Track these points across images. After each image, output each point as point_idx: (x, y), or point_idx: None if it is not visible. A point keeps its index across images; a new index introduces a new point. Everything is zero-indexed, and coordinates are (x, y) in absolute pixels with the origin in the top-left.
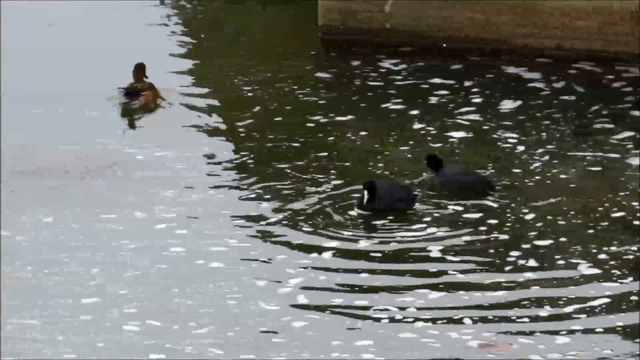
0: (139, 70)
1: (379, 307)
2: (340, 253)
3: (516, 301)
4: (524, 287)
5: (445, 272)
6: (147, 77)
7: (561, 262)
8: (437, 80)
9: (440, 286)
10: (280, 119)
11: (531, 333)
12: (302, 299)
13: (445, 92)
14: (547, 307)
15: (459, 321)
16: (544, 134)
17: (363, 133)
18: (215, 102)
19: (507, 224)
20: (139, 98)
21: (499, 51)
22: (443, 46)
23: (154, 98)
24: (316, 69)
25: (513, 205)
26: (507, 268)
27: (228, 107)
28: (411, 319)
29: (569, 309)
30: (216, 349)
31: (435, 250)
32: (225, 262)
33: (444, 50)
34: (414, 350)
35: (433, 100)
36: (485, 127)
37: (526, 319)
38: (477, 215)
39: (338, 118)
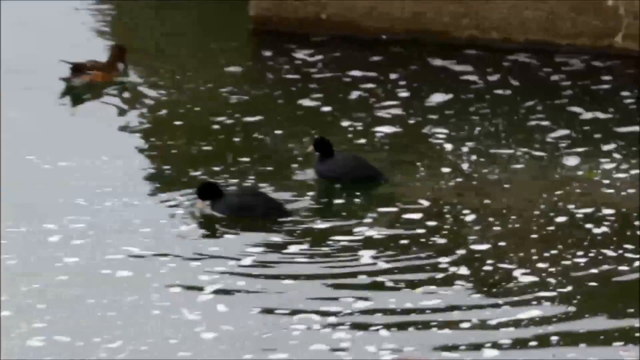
0: (116, 51)
1: (300, 317)
2: (262, 259)
3: (443, 312)
4: (454, 296)
5: (374, 279)
6: (123, 63)
7: (496, 268)
8: (359, 73)
9: (367, 294)
10: (197, 118)
11: (455, 347)
12: (220, 308)
13: (370, 84)
14: (474, 319)
15: (378, 332)
16: (476, 130)
17: (282, 132)
18: (129, 102)
19: (445, 227)
20: (81, 76)
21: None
22: (383, 37)
23: (102, 80)
24: (241, 64)
25: (448, 207)
26: (439, 276)
27: (146, 108)
28: (329, 330)
29: (498, 320)
30: None
31: (366, 255)
32: (133, 271)
33: (371, 42)
34: None
35: (354, 94)
36: (412, 122)
37: (449, 331)
38: (415, 217)
39: (258, 117)
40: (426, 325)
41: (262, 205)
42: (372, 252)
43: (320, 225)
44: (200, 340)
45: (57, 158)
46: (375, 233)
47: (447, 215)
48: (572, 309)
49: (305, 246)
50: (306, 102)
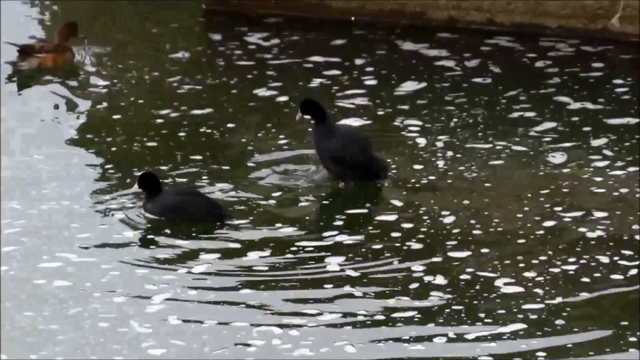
0: (66, 29)
1: (259, 330)
2: (216, 267)
3: (416, 324)
4: (428, 308)
5: (341, 289)
6: (81, 37)
7: (476, 277)
8: (320, 59)
9: (333, 306)
10: (140, 111)
11: None
12: (170, 320)
13: (333, 71)
14: (451, 334)
15: (343, 348)
16: (453, 122)
17: (234, 126)
18: (73, 90)
19: (422, 230)
20: (28, 59)
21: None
22: (351, 19)
23: (52, 63)
24: (189, 50)
25: (424, 208)
26: (414, 285)
27: (88, 100)
28: (289, 346)
29: (476, 335)
30: None
31: (334, 262)
32: (72, 281)
33: (333, 24)
34: None
35: (316, 82)
36: (381, 113)
37: (422, 347)
38: (388, 219)
39: (207, 109)
40: (397, 340)
41: (201, 206)
42: (339, 259)
43: (283, 229)
44: (148, 356)
45: None
46: (343, 238)
47: (424, 217)
48: (560, 322)
49: (265, 253)
50: (262, 92)
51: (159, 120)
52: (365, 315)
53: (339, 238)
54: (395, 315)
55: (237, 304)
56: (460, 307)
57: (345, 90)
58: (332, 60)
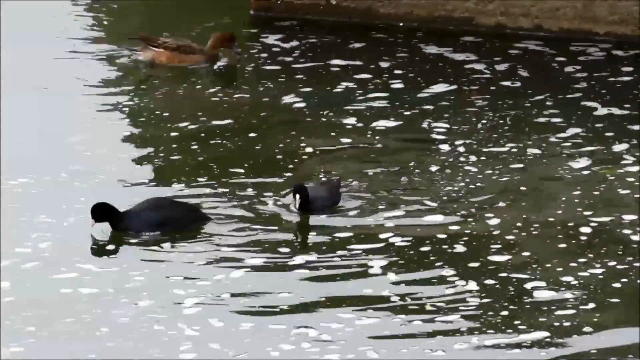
0: (222, 38)
1: (294, 333)
2: (255, 269)
3: (446, 331)
4: (462, 314)
5: (379, 293)
6: (235, 50)
7: (513, 282)
8: (341, 62)
9: (369, 310)
10: (186, 123)
11: None
12: (202, 324)
13: (361, 75)
14: (475, 339)
15: (365, 353)
16: (481, 124)
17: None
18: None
19: (467, 232)
20: (145, 51)
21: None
22: (399, 25)
23: (167, 60)
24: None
25: (465, 211)
26: (450, 291)
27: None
28: (317, 350)
29: (502, 340)
30: None
31: (377, 266)
32: (99, 287)
33: (348, 28)
34: None
35: (342, 85)
36: (408, 115)
37: (443, 352)
38: (437, 219)
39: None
40: (422, 346)
41: (187, 215)
42: (383, 262)
43: (329, 232)
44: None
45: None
46: (389, 241)
47: (469, 219)
48: (588, 328)
49: (311, 257)
50: (289, 99)
51: (213, 126)
52: (397, 320)
53: (385, 241)
54: (426, 320)
55: (272, 307)
56: (491, 313)
57: (371, 93)
58: (354, 63)
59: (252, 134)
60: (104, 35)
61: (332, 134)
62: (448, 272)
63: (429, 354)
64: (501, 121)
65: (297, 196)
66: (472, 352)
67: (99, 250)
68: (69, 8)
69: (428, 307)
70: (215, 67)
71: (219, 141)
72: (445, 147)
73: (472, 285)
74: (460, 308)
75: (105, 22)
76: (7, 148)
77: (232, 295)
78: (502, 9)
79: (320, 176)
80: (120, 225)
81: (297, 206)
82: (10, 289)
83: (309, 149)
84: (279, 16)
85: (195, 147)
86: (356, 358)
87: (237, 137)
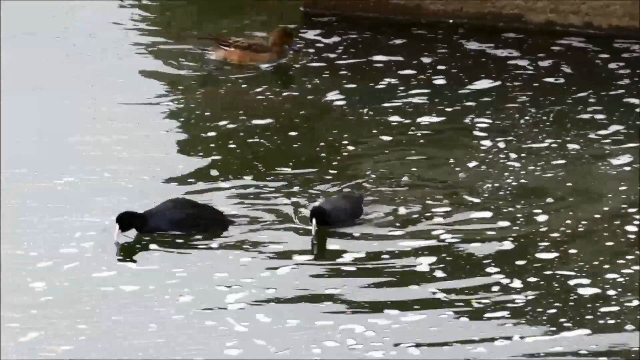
0: (284, 35)
1: (341, 329)
2: (305, 265)
3: (488, 328)
4: (505, 311)
5: (425, 290)
6: (288, 47)
7: (558, 279)
8: (383, 57)
9: (414, 307)
10: (233, 121)
11: None
12: (248, 320)
13: (403, 71)
14: (516, 336)
15: (407, 350)
16: (523, 121)
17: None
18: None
19: (515, 229)
20: (217, 50)
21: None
22: (441, 22)
23: (238, 59)
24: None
25: (511, 208)
26: (495, 288)
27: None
28: (360, 346)
29: (543, 337)
30: None
31: (425, 263)
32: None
33: (384, 24)
34: None
35: (385, 81)
36: (450, 111)
37: (483, 349)
38: (486, 215)
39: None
40: (463, 342)
41: (210, 217)
42: (431, 259)
43: (378, 230)
44: (228, 356)
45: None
46: (438, 238)
47: (518, 215)
48: (630, 327)
49: (359, 254)
50: (333, 95)
51: (253, 126)
52: (444, 317)
53: (433, 238)
54: (471, 317)
55: (319, 304)
56: (536, 310)
57: (413, 89)
58: (396, 59)
59: (295, 132)
60: (157, 31)
61: (374, 130)
62: (494, 269)
63: (471, 351)
64: (544, 117)
65: (314, 221)
66: (515, 350)
67: (139, 248)
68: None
69: (474, 304)
70: (276, 63)
71: (262, 139)
72: (487, 143)
73: (518, 283)
74: (506, 306)
75: (151, 19)
76: (51, 146)
77: (278, 291)
78: (552, 6)
79: (344, 188)
80: (146, 227)
81: (313, 232)
82: (48, 288)
83: (351, 147)
84: (327, 13)
85: (238, 145)
86: (398, 355)
87: (281, 134)
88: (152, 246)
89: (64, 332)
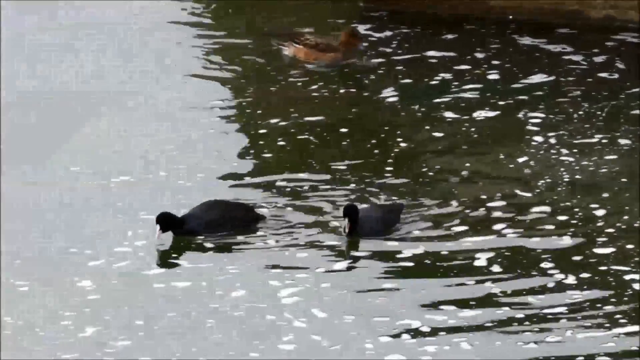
0: (350, 34)
1: (398, 324)
2: (358, 262)
3: (542, 324)
4: (561, 307)
5: (482, 286)
6: (354, 46)
7: (614, 275)
8: (436, 53)
9: (470, 302)
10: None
11: None
12: (304, 314)
13: (457, 66)
14: (569, 332)
15: (459, 345)
16: (576, 116)
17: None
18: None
19: (574, 222)
20: (289, 46)
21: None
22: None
23: (305, 57)
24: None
25: (569, 203)
26: (551, 284)
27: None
28: (414, 341)
29: (596, 333)
30: None
31: (483, 258)
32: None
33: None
34: None
35: (439, 77)
36: (503, 105)
37: (535, 345)
38: (545, 209)
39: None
40: (516, 339)
41: (244, 215)
42: (489, 255)
43: (442, 224)
44: (285, 353)
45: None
46: (498, 233)
47: (575, 210)
48: None
49: (418, 249)
50: (386, 92)
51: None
52: (500, 313)
53: (494, 233)
54: (527, 313)
55: (376, 299)
56: (591, 306)
57: (468, 84)
58: (449, 54)
59: (348, 129)
60: (215, 27)
61: (427, 127)
62: (549, 264)
63: (522, 346)
64: (598, 112)
65: (346, 220)
66: (570, 346)
67: (192, 247)
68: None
69: (530, 300)
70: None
71: (315, 136)
72: (540, 138)
73: (574, 279)
74: (562, 302)
75: (207, 17)
76: (109, 146)
77: (334, 287)
78: (612, 2)
79: (382, 198)
80: (182, 230)
81: (345, 230)
82: (100, 286)
83: (403, 144)
84: (385, 7)
85: (291, 142)
86: (451, 351)
87: (335, 131)
88: (206, 244)
89: (120, 328)
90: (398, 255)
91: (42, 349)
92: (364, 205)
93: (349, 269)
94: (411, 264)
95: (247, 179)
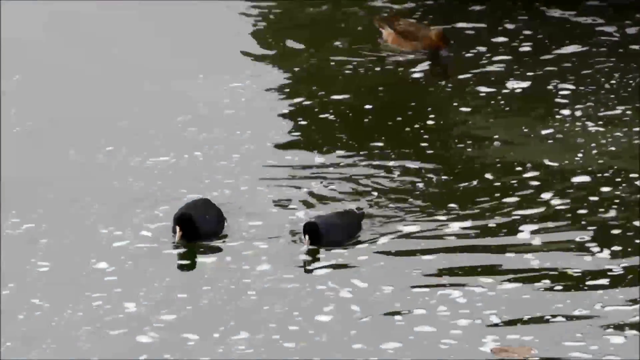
0: (439, 35)
1: (436, 295)
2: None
3: (574, 299)
4: (600, 284)
5: (521, 258)
6: (439, 48)
7: None
8: (464, 24)
9: (508, 275)
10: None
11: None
12: (347, 284)
13: (492, 38)
14: (598, 306)
15: (489, 317)
16: (607, 86)
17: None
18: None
19: (617, 193)
20: (386, 29)
21: None
22: None
23: (392, 42)
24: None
25: (610, 171)
26: (588, 259)
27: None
28: (448, 314)
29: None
30: None
31: (527, 230)
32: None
33: None
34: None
35: (473, 51)
36: (531, 75)
37: (563, 319)
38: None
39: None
40: (542, 313)
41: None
42: (533, 227)
43: (486, 195)
44: (318, 322)
45: None
46: (542, 203)
47: (617, 180)
48: None
49: (465, 223)
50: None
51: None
52: (539, 286)
53: (541, 205)
54: (564, 286)
55: (418, 270)
56: (628, 279)
57: (498, 56)
58: (479, 26)
59: (381, 103)
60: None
61: (455, 103)
62: (587, 237)
63: (550, 320)
64: (631, 81)
65: (307, 237)
66: (597, 319)
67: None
68: None
69: (569, 274)
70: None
71: (350, 112)
72: (570, 109)
73: (612, 252)
74: (599, 276)
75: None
76: (145, 125)
77: (375, 258)
78: None
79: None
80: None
81: (306, 247)
82: (122, 265)
83: (430, 121)
84: None
85: (323, 120)
86: (483, 324)
87: (364, 108)
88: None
89: (161, 303)
90: (443, 228)
91: (85, 327)
92: (325, 214)
93: (392, 240)
94: (454, 237)
95: (289, 159)
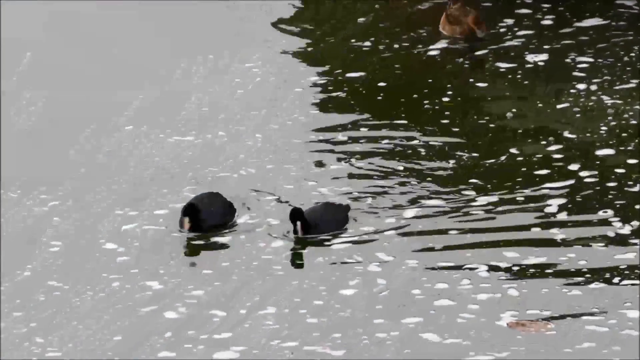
0: (475, 18)
1: (461, 272)
2: (429, 211)
3: (593, 275)
4: (622, 258)
5: (546, 233)
6: (474, 31)
7: None
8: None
9: (533, 250)
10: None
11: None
12: (379, 257)
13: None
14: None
15: (507, 291)
16: (627, 59)
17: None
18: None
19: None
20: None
21: None
22: None
23: (441, 24)
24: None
25: (630, 147)
26: (611, 234)
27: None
28: (470, 287)
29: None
30: None
31: (555, 204)
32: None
33: None
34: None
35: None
36: (549, 48)
37: (579, 292)
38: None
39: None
40: (561, 289)
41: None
42: (559, 201)
43: (514, 175)
44: (342, 296)
45: None
46: (569, 175)
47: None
48: None
49: (492, 197)
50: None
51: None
52: (563, 260)
53: (568, 177)
54: (587, 259)
55: (444, 243)
56: None
57: (521, 30)
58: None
59: (399, 83)
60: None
61: (472, 79)
62: (612, 211)
63: (566, 293)
64: None
65: (298, 224)
66: (615, 295)
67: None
68: None
69: (594, 247)
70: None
71: (364, 92)
72: (586, 83)
73: (633, 228)
74: (622, 251)
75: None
76: (170, 104)
77: (403, 234)
78: None
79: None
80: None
81: (299, 232)
82: (136, 247)
83: (446, 98)
84: None
85: (340, 98)
86: (502, 297)
87: (380, 86)
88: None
89: (189, 279)
90: (471, 203)
91: (117, 306)
92: (314, 205)
93: (418, 215)
94: (481, 211)
95: (313, 138)
